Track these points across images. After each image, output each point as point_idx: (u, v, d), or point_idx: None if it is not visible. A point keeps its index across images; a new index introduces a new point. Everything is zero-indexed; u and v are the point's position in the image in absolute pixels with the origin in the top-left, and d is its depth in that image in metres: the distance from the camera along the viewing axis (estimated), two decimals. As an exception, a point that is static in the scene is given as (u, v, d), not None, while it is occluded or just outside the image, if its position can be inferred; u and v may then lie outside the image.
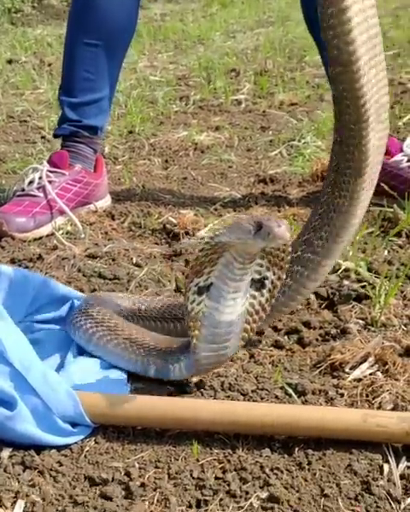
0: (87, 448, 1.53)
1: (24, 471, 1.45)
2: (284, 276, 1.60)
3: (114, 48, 2.92)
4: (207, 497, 1.39)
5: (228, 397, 1.69)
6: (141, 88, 5.23)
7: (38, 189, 2.83)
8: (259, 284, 1.59)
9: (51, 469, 1.46)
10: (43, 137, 4.02)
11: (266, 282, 1.59)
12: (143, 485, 1.43)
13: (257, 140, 3.99)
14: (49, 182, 2.84)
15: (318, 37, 2.92)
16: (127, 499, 1.39)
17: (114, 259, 2.46)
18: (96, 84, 2.94)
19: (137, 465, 1.48)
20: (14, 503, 1.37)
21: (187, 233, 2.72)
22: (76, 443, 1.54)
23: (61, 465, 1.47)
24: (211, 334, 1.59)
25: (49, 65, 6.06)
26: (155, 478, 1.45)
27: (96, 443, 1.55)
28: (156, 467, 1.48)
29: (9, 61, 6.21)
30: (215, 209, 2.98)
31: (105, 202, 3.03)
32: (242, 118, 4.48)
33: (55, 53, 6.57)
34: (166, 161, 3.69)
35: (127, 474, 1.45)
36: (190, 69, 5.97)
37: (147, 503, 1.38)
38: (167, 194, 3.18)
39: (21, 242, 2.61)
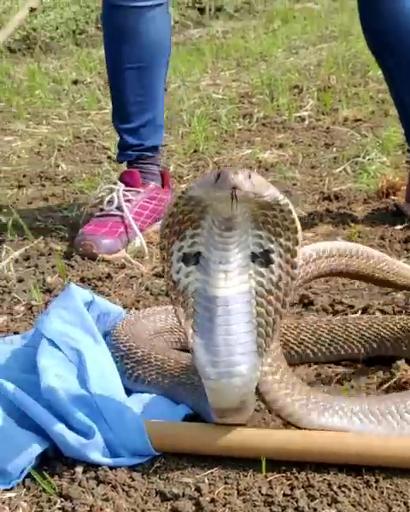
0: (158, 464, 1.57)
1: (97, 485, 1.50)
2: (299, 250, 1.42)
3: (156, 66, 2.99)
4: (275, 514, 1.42)
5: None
6: (204, 106, 5.28)
7: (117, 208, 2.89)
8: (264, 258, 1.43)
9: (124, 484, 1.50)
10: (109, 157, 4.10)
11: (273, 256, 1.43)
12: (212, 500, 1.46)
13: (321, 157, 4.01)
14: (127, 200, 2.91)
15: (376, 51, 2.93)
16: (198, 514, 1.43)
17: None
18: (148, 105, 3.01)
19: (207, 481, 1.52)
20: (89, 516, 1.42)
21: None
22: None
23: (133, 480, 1.52)
24: (207, 312, 1.43)
25: (114, 85, 6.16)
26: (225, 494, 1.48)
27: (165, 459, 1.59)
28: (226, 483, 1.51)
29: (75, 82, 6.33)
30: (280, 226, 3.00)
31: None
32: (305, 135, 4.50)
33: (119, 73, 6.66)
34: (231, 179, 3.72)
35: (197, 489, 1.49)
36: (252, 86, 6.01)
37: (217, 518, 1.42)
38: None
39: (90, 261, 2.67)
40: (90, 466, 1.55)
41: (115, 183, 3.00)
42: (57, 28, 9.63)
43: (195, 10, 13.96)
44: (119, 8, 2.89)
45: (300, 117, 4.90)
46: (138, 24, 2.89)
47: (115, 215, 2.87)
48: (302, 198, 3.39)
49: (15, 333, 2.14)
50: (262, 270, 1.43)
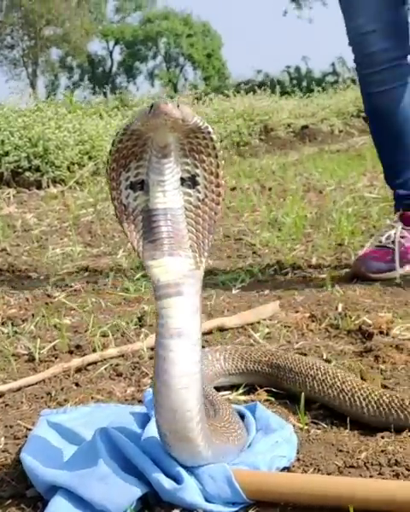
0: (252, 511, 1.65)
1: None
2: (221, 172, 1.68)
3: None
4: None
5: (395, 474, 1.73)
6: (356, 205, 5.42)
7: (392, 242, 3.60)
8: (190, 182, 1.68)
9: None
10: (254, 253, 4.29)
11: (198, 179, 1.68)
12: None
13: None
14: (402, 237, 3.62)
15: None
16: None
17: (305, 354, 2.58)
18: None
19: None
20: None
21: (381, 332, 2.80)
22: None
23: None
24: (151, 221, 1.65)
25: (270, 189, 6.43)
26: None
27: (259, 507, 1.65)
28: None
29: (233, 189, 6.65)
30: (416, 311, 3.04)
31: None
32: None
33: (277, 179, 6.93)
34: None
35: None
36: (409, 186, 6.08)
37: None
38: (368, 299, 3.27)
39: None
40: (187, 510, 1.63)
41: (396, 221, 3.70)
42: (222, 141, 10.20)
43: (359, 119, 14.34)
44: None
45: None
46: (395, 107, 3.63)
47: (389, 247, 3.58)
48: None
49: (139, 401, 2.28)
50: (190, 191, 1.68)
